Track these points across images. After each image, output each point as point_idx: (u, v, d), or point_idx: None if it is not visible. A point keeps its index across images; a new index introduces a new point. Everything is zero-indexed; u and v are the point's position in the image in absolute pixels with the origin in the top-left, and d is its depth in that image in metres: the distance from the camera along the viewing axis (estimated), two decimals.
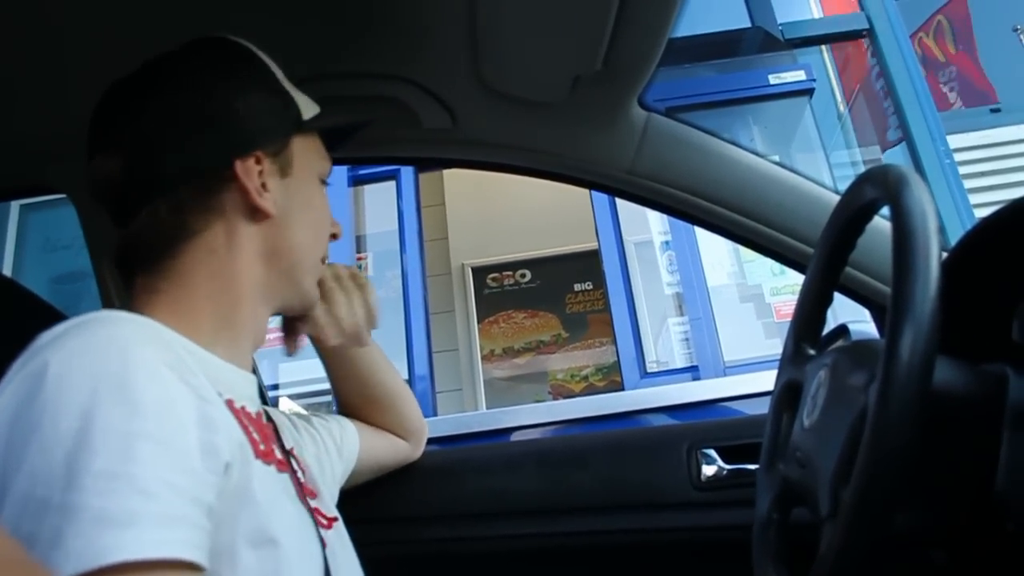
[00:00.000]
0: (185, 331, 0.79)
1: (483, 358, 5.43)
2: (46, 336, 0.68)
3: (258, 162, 0.87)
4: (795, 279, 1.07)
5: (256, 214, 0.87)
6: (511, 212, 5.38)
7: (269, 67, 0.92)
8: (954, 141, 3.84)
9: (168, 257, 0.84)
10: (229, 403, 0.79)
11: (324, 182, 0.98)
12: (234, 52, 0.91)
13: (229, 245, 0.86)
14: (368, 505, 1.26)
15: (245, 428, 0.79)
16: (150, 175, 0.84)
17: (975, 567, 0.83)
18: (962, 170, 3.76)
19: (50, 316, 1.10)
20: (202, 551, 0.62)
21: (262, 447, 0.81)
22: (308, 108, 0.95)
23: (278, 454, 0.87)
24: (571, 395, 5.18)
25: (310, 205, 0.94)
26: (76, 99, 1.13)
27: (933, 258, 0.65)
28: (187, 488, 0.63)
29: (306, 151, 0.94)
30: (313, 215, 0.94)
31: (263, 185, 0.87)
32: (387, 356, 1.24)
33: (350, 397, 1.23)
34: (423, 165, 4.09)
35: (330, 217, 0.98)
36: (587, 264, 5.12)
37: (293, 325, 1.03)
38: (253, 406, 0.87)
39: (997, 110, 4.21)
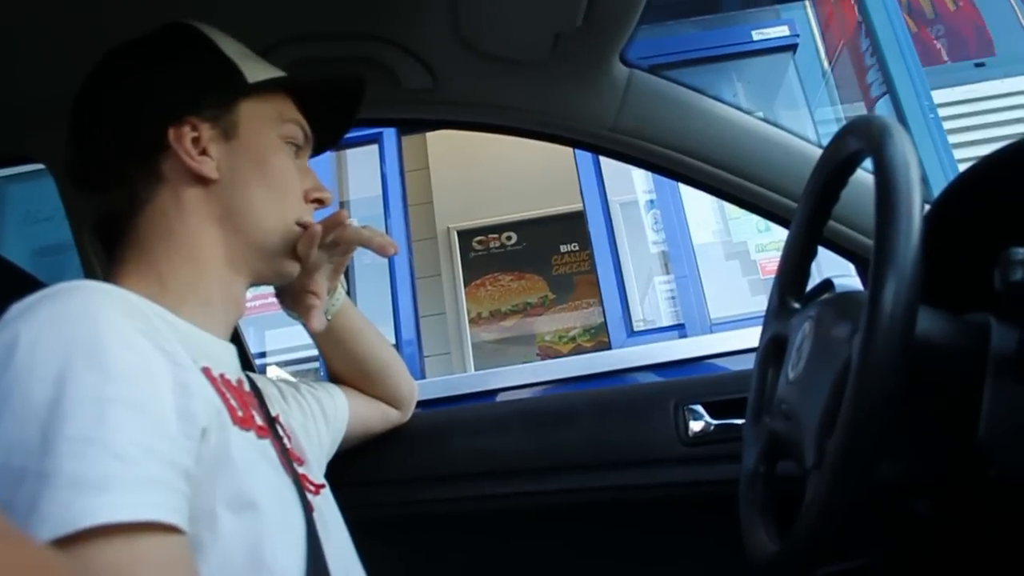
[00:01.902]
0: (154, 297, 0.80)
1: (470, 321, 5.44)
2: (17, 307, 0.67)
3: (194, 128, 0.90)
4: (780, 235, 1.08)
5: (199, 178, 0.89)
6: (495, 175, 5.35)
7: (212, 41, 0.95)
8: (938, 96, 3.83)
9: (129, 227, 0.88)
10: (206, 371, 0.79)
11: (296, 144, 0.99)
12: (176, 32, 0.95)
13: (179, 210, 0.89)
14: (356, 468, 1.26)
15: (222, 395, 0.79)
16: (100, 152, 0.90)
17: (958, 515, 0.84)
18: (946, 125, 3.76)
19: (35, 288, 1.10)
20: (180, 514, 0.62)
21: (240, 414, 0.81)
22: (262, 73, 0.96)
23: (258, 421, 0.87)
24: (559, 356, 5.19)
25: (263, 166, 0.93)
26: (54, 67, 1.12)
27: (915, 208, 0.65)
28: (163, 452, 0.63)
29: (259, 114, 0.95)
30: (269, 177, 0.94)
31: (204, 151, 0.89)
32: (375, 324, 1.24)
33: (341, 370, 1.23)
34: (405, 127, 4.06)
35: (297, 180, 0.97)
36: (573, 225, 5.11)
37: (285, 300, 1.06)
38: (233, 374, 0.87)
39: (982, 64, 4.19)
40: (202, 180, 0.89)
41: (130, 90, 0.90)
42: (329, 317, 1.10)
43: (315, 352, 1.25)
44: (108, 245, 0.91)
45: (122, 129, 0.89)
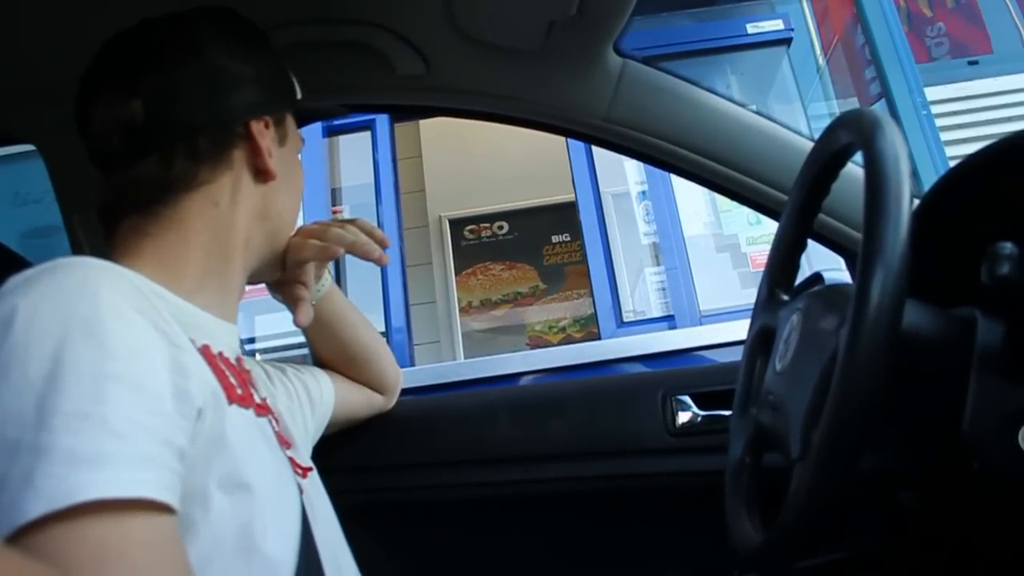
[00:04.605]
0: (166, 277, 0.81)
1: (461, 310, 5.43)
2: (14, 280, 0.67)
3: (267, 126, 0.93)
4: (771, 229, 1.08)
5: (259, 174, 0.92)
6: (488, 164, 5.34)
7: (272, 44, 0.99)
8: (931, 93, 3.84)
9: (168, 203, 0.86)
10: (205, 348, 0.79)
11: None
12: (247, 25, 0.97)
13: (232, 200, 0.90)
14: (344, 454, 1.27)
15: (221, 373, 0.79)
16: (174, 120, 0.86)
17: (943, 507, 0.85)
18: (938, 122, 3.76)
19: (24, 269, 1.09)
20: (173, 492, 0.62)
21: (240, 392, 0.82)
22: (298, 88, 1.02)
23: (257, 399, 0.87)
24: (549, 346, 5.19)
25: (295, 175, 1.01)
26: (46, 47, 1.11)
27: (904, 201, 0.65)
28: (158, 430, 0.63)
29: (293, 127, 1.01)
30: (297, 185, 1.01)
31: (268, 150, 0.92)
32: (365, 312, 1.25)
33: (326, 355, 1.24)
34: (398, 114, 4.04)
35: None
36: (565, 216, 5.09)
37: (273, 287, 1.08)
38: (232, 353, 0.88)
39: (975, 62, 4.20)
40: (261, 177, 0.92)
41: (221, 69, 0.90)
42: (314, 303, 1.10)
43: (304, 339, 1.25)
44: (115, 216, 0.87)
45: (208, 107, 0.88)
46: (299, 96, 1.02)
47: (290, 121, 1.00)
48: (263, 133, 0.92)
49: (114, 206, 0.88)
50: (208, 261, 0.87)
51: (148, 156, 0.86)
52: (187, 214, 0.87)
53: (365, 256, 1.05)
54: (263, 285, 1.08)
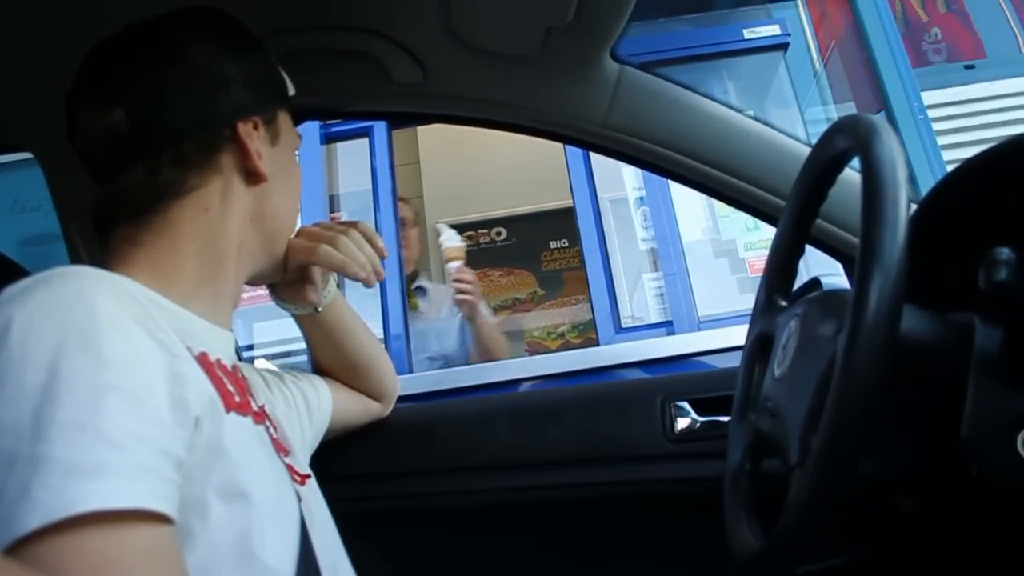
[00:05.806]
0: (160, 285, 0.80)
1: None
2: (10, 291, 0.67)
3: (255, 127, 0.91)
4: (769, 234, 1.08)
5: (250, 177, 0.91)
6: (486, 170, 5.35)
7: (260, 42, 0.97)
8: (928, 97, 3.84)
9: (158, 212, 0.86)
10: (203, 356, 0.79)
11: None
12: (234, 24, 0.95)
13: (223, 205, 0.88)
14: (342, 462, 1.27)
15: (219, 381, 0.79)
16: (157, 127, 0.85)
17: (942, 512, 0.85)
18: (935, 126, 3.77)
19: (22, 277, 1.09)
20: (170, 502, 0.62)
21: (237, 399, 0.82)
22: (290, 84, 1.01)
23: (254, 407, 0.87)
24: (547, 352, 5.19)
25: (291, 175, 0.99)
26: (43, 55, 1.11)
27: (901, 207, 0.65)
28: (155, 440, 0.63)
29: (288, 124, 0.99)
30: (293, 184, 1.00)
31: (258, 151, 0.91)
32: (363, 318, 1.24)
33: (327, 364, 1.24)
34: (395, 121, 4.04)
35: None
36: (563, 222, 5.09)
37: (277, 291, 1.09)
38: (229, 360, 0.88)
39: (971, 66, 4.21)
40: (252, 179, 0.91)
41: (204, 72, 0.88)
42: (320, 309, 1.10)
43: (303, 346, 1.25)
44: (109, 226, 0.87)
45: (192, 111, 0.87)
46: (292, 93, 1.01)
47: (283, 119, 0.98)
48: (251, 135, 0.90)
49: (107, 215, 0.87)
50: (201, 268, 0.87)
51: (135, 164, 0.85)
52: (178, 221, 0.86)
53: (367, 283, 1.05)
54: (260, 292, 1.08)
